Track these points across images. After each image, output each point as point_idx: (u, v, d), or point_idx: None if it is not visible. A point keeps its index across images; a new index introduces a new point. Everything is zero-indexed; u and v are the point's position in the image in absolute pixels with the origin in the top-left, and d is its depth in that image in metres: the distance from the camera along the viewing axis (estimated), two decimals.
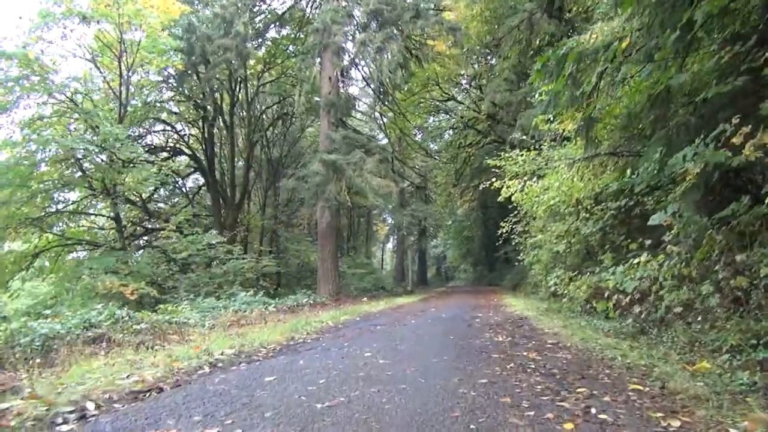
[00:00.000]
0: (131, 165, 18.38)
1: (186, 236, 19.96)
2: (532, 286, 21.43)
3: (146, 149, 22.94)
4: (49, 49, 17.89)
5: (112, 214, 19.38)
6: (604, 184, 12.71)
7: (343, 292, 22.33)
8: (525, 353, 6.32)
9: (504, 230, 17.08)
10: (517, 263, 35.25)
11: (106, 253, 18.00)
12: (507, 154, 15.13)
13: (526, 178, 13.34)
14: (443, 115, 31.56)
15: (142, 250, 23.98)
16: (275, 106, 28.75)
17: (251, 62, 27.07)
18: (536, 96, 14.57)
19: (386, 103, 25.06)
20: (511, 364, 5.54)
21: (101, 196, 19.60)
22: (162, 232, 21.90)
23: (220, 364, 5.82)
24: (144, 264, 17.86)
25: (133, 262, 18.03)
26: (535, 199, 13.69)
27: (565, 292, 12.49)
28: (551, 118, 13.04)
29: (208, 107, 24.63)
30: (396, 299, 20.34)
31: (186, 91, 23.80)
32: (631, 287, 8.49)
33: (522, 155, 14.72)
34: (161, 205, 28.19)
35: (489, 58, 28.75)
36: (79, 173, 18.55)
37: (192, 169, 26.71)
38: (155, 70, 20.88)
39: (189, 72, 21.93)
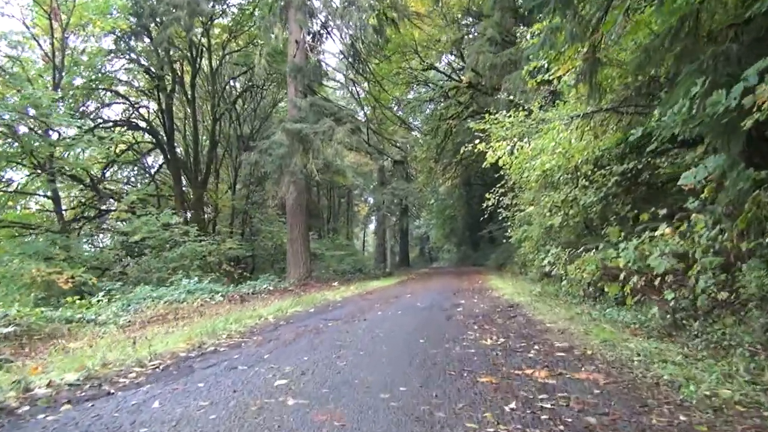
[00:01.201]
0: (70, 139, 15.79)
1: (139, 217, 17.43)
2: (520, 265, 19.21)
3: (96, 123, 20.34)
4: None
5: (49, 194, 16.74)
6: (605, 146, 10.49)
7: (314, 276, 20.00)
8: (529, 372, 4.07)
9: (489, 203, 14.76)
10: (503, 242, 33.29)
11: (39, 238, 15.42)
12: (492, 117, 12.72)
13: (515, 139, 10.96)
14: (423, 87, 28.98)
15: (93, 235, 21.45)
16: (242, 78, 26.04)
17: (216, 31, 24.50)
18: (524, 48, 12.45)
19: (360, 71, 22.53)
20: (513, 404, 3.20)
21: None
22: (112, 212, 19.41)
23: (21, 409, 3.42)
24: (82, 248, 15.31)
25: (74, 247, 15.49)
26: (525, 165, 11.34)
27: (563, 272, 10.22)
28: (545, 67, 10.72)
29: (166, 77, 21.95)
30: (371, 283, 18.03)
31: (139, 60, 21.08)
32: (662, 267, 6.18)
33: (510, 116, 12.36)
34: (123, 185, 25.57)
35: (470, 22, 26.24)
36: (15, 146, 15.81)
37: (151, 146, 24.00)
38: (99, 33, 18.15)
39: (138, 34, 19.25)
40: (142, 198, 19.62)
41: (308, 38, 19.24)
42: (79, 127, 15.36)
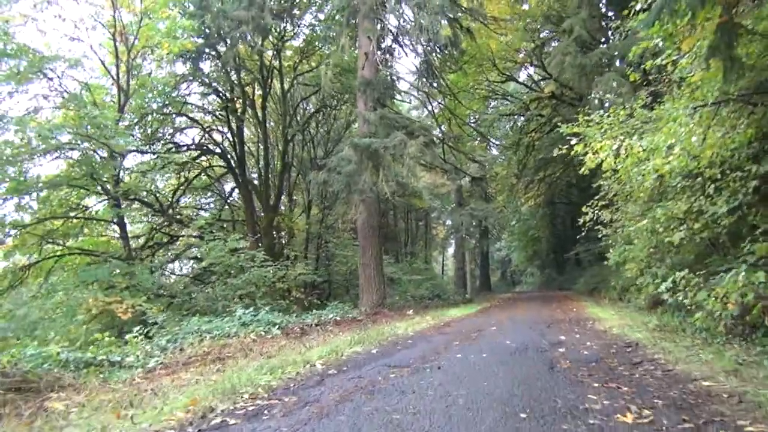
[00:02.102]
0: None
1: (208, 242, 16.31)
2: (620, 291, 16.61)
3: (169, 147, 19.63)
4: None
5: (115, 219, 15.87)
6: (735, 144, 8.17)
7: (388, 303, 18.23)
8: None
9: (587, 219, 12.48)
10: (591, 264, 30.36)
11: (100, 265, 14.48)
12: (587, 117, 10.61)
13: (621, 137, 8.79)
14: (501, 101, 26.83)
15: (167, 263, 20.59)
16: (314, 99, 24.89)
17: (288, 53, 23.58)
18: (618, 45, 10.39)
19: (434, 85, 20.80)
20: None
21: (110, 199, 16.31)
22: (180, 238, 18.48)
23: None
24: (146, 276, 14.21)
25: (138, 274, 14.45)
26: (634, 169, 9.11)
27: (688, 301, 7.90)
28: (658, 45, 8.59)
29: (237, 99, 21.11)
30: (449, 311, 16.00)
31: (207, 81, 20.30)
32: None
33: (608, 116, 10.22)
34: (197, 211, 24.92)
35: (551, 32, 24.01)
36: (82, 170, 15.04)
37: (224, 170, 23.14)
38: (169, 57, 17.36)
39: (206, 55, 18.44)
40: (211, 223, 18.61)
41: (378, 52, 17.73)
42: (145, 152, 14.54)
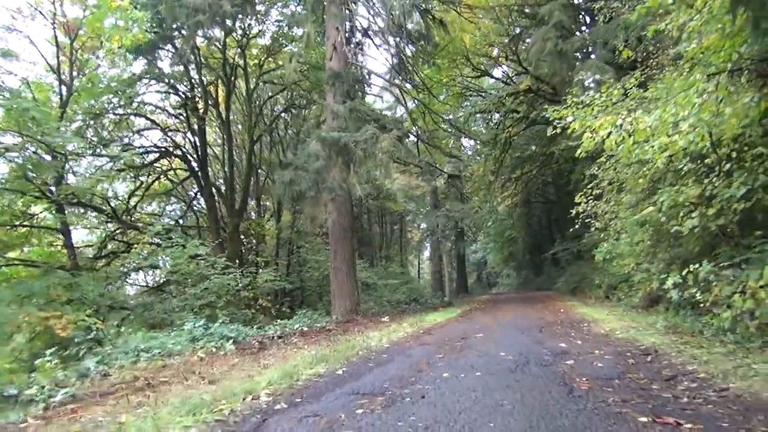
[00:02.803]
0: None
1: (164, 249, 14.70)
2: (606, 288, 15.44)
3: (125, 149, 17.92)
4: None
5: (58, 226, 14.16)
6: (747, 120, 7.05)
7: (363, 309, 16.82)
8: None
9: (580, 210, 11.25)
10: (567, 264, 29.33)
11: (39, 276, 12.78)
12: (575, 99, 9.37)
13: (626, 112, 7.52)
14: (476, 97, 25.59)
15: (127, 273, 18.80)
16: (282, 98, 23.38)
17: (254, 51, 22.05)
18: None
19: (407, 80, 19.46)
20: None
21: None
22: (135, 246, 16.79)
23: None
24: (91, 287, 12.56)
25: (83, 286, 12.80)
26: (636, 151, 7.83)
27: (707, 298, 6.68)
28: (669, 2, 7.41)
29: (198, 98, 19.52)
30: (428, 316, 14.59)
31: (166, 78, 18.68)
32: None
33: (602, 95, 9.00)
34: (160, 218, 23.17)
35: (527, 25, 22.90)
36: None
37: (186, 173, 21.45)
38: (118, 48, 15.72)
39: (162, 50, 16.85)
40: (169, 229, 16.96)
41: (347, 45, 16.34)
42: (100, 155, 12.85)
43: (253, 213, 24.65)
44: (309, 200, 15.05)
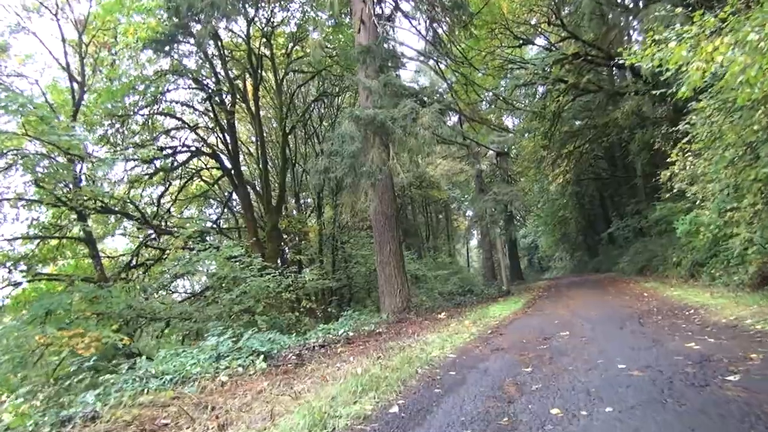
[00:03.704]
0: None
1: (198, 252, 13.30)
2: (689, 266, 13.23)
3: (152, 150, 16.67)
4: None
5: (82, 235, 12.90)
6: None
7: (415, 304, 15.13)
8: None
9: (675, 168, 9.21)
10: (626, 242, 26.84)
11: (61, 291, 11.56)
12: (655, 37, 7.35)
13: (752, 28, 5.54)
14: (519, 70, 23.31)
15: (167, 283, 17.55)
16: (313, 86, 21.79)
17: (280, 41, 20.56)
18: None
19: (444, 54, 17.53)
20: None
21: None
22: (167, 252, 15.44)
23: None
24: (117, 299, 11.22)
25: (106, 299, 11.49)
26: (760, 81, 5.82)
27: None
28: None
29: (225, 92, 18.12)
30: (489, 309, 12.69)
31: (190, 74, 17.32)
32: None
33: (693, 24, 6.95)
34: (206, 222, 21.94)
35: None
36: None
37: (220, 173, 20.10)
38: (134, 42, 14.39)
39: (181, 40, 15.44)
40: (204, 231, 15.63)
41: (375, 16, 14.58)
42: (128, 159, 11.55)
43: (295, 211, 23.23)
44: (347, 189, 13.41)
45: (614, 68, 21.83)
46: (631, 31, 19.10)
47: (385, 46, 14.71)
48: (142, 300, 13.41)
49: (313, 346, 8.31)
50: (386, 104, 12.89)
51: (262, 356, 7.12)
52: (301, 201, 25.21)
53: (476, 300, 16.63)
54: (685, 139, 8.79)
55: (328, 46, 19.71)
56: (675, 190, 11.06)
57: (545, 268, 49.49)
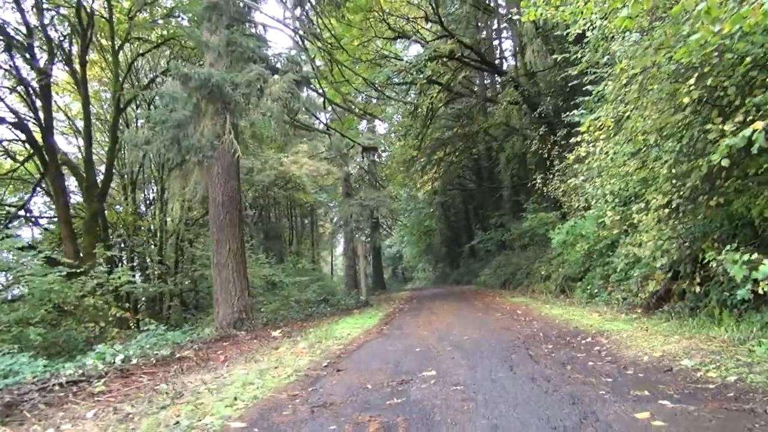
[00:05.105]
0: None
1: None
2: (563, 281, 11.71)
3: None
4: None
5: None
6: None
7: (265, 311, 12.34)
8: None
9: (583, 132, 7.32)
10: (487, 255, 25.97)
11: None
12: None
13: None
14: (393, 66, 21.34)
15: None
16: (159, 57, 18.13)
17: (124, 4, 16.73)
18: None
19: (309, 31, 14.93)
20: None
21: None
22: None
23: None
24: None
25: None
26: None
27: None
28: None
29: (38, 45, 14.11)
30: (339, 324, 10.16)
31: None
32: None
33: None
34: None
35: None
36: None
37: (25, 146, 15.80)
38: None
39: None
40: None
41: None
42: None
43: (135, 202, 19.24)
44: (174, 170, 10.32)
45: (486, 72, 20.72)
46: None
47: (239, 2, 11.83)
48: None
49: (62, 383, 5.23)
50: (229, 66, 10.03)
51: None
52: (145, 192, 21.29)
53: (330, 311, 14.10)
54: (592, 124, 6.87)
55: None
56: (551, 196, 9.42)
57: (408, 278, 48.47)
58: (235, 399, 3.88)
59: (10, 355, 6.89)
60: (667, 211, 6.04)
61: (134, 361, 6.24)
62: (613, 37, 6.37)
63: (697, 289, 6.19)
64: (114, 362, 6.09)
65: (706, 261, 5.88)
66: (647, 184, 6.67)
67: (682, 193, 5.71)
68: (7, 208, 16.81)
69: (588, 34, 6.65)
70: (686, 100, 4.80)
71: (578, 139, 7.28)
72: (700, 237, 6.17)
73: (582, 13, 5.69)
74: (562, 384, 3.65)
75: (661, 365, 4.06)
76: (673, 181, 5.77)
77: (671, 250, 6.26)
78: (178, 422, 3.27)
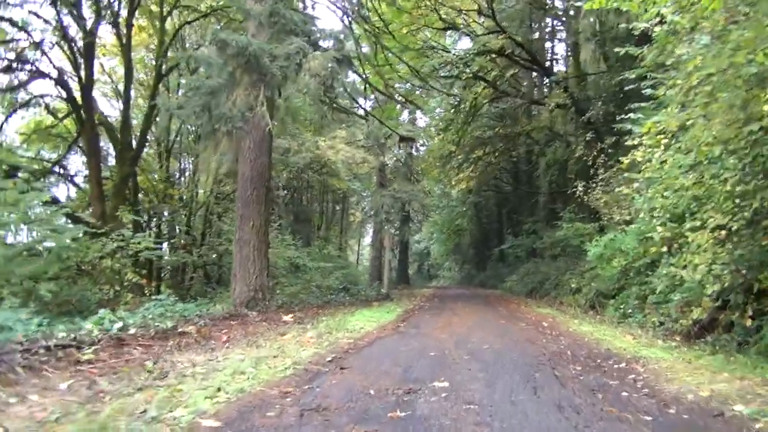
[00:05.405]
0: None
1: None
2: (594, 296, 11.01)
3: None
4: None
5: None
6: None
7: (283, 293, 12.02)
8: None
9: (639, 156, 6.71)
10: (516, 261, 25.23)
11: None
12: None
13: None
14: (440, 58, 20.70)
15: None
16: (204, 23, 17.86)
17: None
18: None
19: (361, 15, 14.46)
20: None
21: None
22: None
23: None
24: None
25: None
26: None
27: None
28: None
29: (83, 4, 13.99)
30: (355, 315, 9.73)
31: None
32: None
33: None
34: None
35: None
36: None
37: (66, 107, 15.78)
38: None
39: None
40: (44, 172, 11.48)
41: None
42: None
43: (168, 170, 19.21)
44: (204, 139, 10.01)
45: (535, 73, 19.95)
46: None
47: None
48: None
49: (49, 346, 4.92)
50: (269, 37, 9.64)
51: None
52: (180, 161, 21.31)
53: (348, 301, 13.71)
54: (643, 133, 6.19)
55: None
56: (591, 206, 8.77)
57: (433, 276, 47.83)
58: (219, 390, 3.44)
59: (12, 309, 6.69)
60: (724, 232, 5.41)
61: (132, 331, 5.91)
62: (683, 37, 5.73)
63: (749, 322, 5.56)
64: (111, 330, 5.78)
65: (761, 292, 5.28)
66: (701, 202, 6.02)
67: (744, 214, 5.07)
68: (44, 163, 16.91)
69: (656, 29, 6.00)
70: (766, 108, 4.16)
71: (635, 142, 6.65)
72: (756, 265, 5.50)
73: (655, 2, 5.06)
74: (594, 419, 3.10)
75: (710, 408, 3.46)
76: (736, 200, 5.13)
77: (723, 276, 5.62)
78: (145, 410, 2.84)
